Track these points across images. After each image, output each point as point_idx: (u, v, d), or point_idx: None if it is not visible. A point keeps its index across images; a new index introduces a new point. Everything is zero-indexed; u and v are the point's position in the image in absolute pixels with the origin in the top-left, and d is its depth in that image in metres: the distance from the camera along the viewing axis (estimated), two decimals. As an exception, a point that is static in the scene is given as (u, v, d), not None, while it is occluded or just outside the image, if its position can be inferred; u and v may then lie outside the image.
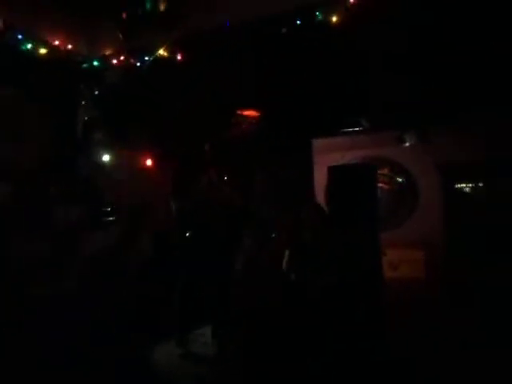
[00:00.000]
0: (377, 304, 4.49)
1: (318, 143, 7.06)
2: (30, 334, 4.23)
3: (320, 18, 3.52)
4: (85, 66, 3.87)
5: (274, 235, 4.69)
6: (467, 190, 6.84)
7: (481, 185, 6.73)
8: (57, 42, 3.69)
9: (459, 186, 6.81)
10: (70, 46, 3.74)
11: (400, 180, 7.05)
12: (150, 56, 3.81)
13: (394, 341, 4.33)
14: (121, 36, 3.86)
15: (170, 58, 3.87)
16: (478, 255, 6.03)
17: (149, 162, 5.39)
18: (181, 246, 4.56)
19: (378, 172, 6.64)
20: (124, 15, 3.86)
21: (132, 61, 3.87)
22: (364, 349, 4.07)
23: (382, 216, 6.31)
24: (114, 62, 3.89)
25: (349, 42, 4.07)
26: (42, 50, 3.58)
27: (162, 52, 3.84)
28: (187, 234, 4.55)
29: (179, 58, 3.90)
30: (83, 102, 4.17)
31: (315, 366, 3.89)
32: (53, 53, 3.62)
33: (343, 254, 4.60)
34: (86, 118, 4.30)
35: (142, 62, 3.86)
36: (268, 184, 6.02)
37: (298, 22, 3.52)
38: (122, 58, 3.88)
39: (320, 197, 6.25)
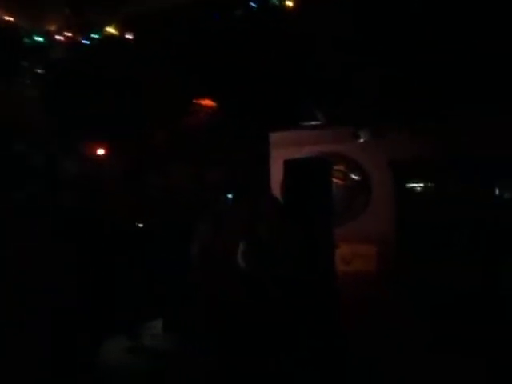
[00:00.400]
0: (330, 298, 4.51)
1: (274, 137, 7.06)
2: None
3: (275, 1, 3.44)
4: (26, 40, 3.62)
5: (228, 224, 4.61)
6: (418, 187, 7.01)
7: (431, 182, 6.92)
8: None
9: (411, 183, 6.98)
10: (9, 19, 3.48)
11: (354, 176, 7.15)
12: (97, 33, 3.62)
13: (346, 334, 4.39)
14: (68, 11, 3.64)
15: (121, 37, 3.70)
16: (425, 251, 6.20)
17: (98, 150, 5.19)
18: (134, 235, 4.42)
19: (334, 168, 6.70)
20: None
21: (79, 38, 3.66)
22: (320, 342, 4.08)
23: (337, 211, 6.38)
24: (59, 38, 3.66)
25: (306, 31, 4.04)
26: None
27: (111, 30, 3.66)
28: (141, 224, 4.42)
29: (130, 37, 3.73)
30: (24, 80, 3.91)
31: (271, 359, 3.87)
32: None
33: (298, 247, 4.59)
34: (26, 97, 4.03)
35: (90, 39, 3.66)
36: (223, 173, 5.92)
37: (253, 4, 3.41)
38: (68, 34, 3.66)
39: (276, 191, 6.23)
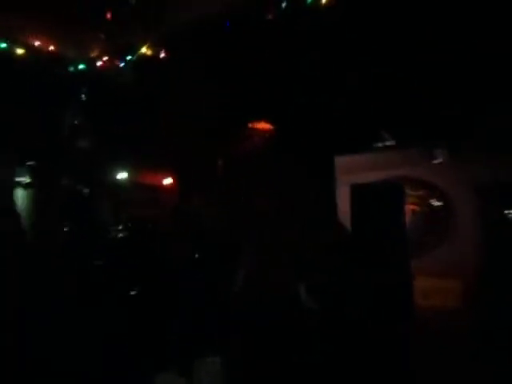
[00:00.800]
0: (403, 333, 4.12)
1: (340, 161, 6.60)
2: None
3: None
4: (71, 69, 3.65)
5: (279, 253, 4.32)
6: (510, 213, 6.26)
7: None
8: (38, 43, 3.48)
9: (501, 209, 6.23)
10: (52, 48, 3.53)
11: (434, 202, 6.54)
12: (133, 55, 3.55)
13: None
14: (103, 36, 3.63)
15: (163, 60, 3.61)
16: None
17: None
18: (185, 265, 4.28)
19: (410, 193, 6.24)
20: (107, 15, 3.64)
21: (117, 62, 3.62)
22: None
23: (414, 240, 5.89)
24: (100, 63, 3.64)
25: (373, 49, 3.72)
26: (21, 51, 3.38)
27: (148, 51, 3.59)
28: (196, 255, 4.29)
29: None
30: (70, 108, 3.95)
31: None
32: (35, 54, 3.42)
33: (369, 279, 4.26)
34: (72, 124, 4.09)
35: (127, 62, 3.59)
36: (284, 200, 5.57)
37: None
38: (106, 59, 3.63)
39: (343, 219, 5.80)
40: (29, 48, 3.31)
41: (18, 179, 5.26)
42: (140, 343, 4.31)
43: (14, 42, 3.30)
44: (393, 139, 5.81)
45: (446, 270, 6.00)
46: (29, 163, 4.87)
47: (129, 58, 3.55)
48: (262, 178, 5.31)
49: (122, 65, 3.61)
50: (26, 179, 5.27)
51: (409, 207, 6.31)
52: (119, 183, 5.18)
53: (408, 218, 6.17)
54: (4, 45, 3.32)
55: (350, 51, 4.06)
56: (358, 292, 4.14)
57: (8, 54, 3.31)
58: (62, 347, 4.11)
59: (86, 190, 4.97)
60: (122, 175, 5.20)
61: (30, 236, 4.74)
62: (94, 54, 3.64)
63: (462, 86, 4.51)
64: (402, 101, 4.94)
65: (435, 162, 5.94)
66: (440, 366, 4.42)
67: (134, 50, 3.52)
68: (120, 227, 4.90)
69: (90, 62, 3.62)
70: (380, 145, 5.92)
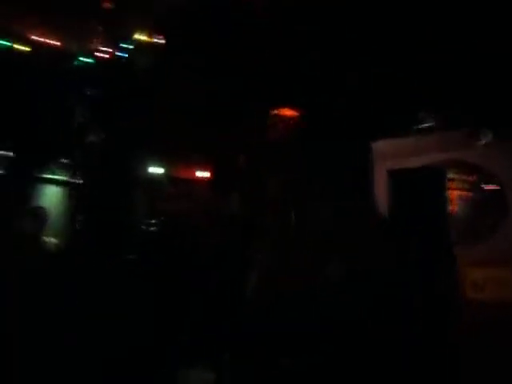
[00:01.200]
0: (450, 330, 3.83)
1: (378, 147, 6.20)
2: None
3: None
4: (76, 63, 3.62)
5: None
6: None
7: None
8: (37, 38, 3.46)
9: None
10: (53, 43, 3.50)
11: (485, 187, 6.07)
12: (131, 43, 3.47)
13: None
14: (100, 28, 3.58)
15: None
16: None
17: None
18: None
19: (457, 178, 5.85)
20: (105, 5, 3.57)
21: (116, 52, 3.55)
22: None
23: (465, 228, 5.54)
24: (101, 55, 3.58)
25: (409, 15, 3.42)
26: (21, 47, 3.38)
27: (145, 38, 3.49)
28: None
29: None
30: (76, 104, 3.94)
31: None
32: (39, 50, 3.41)
33: (409, 270, 4.04)
34: (78, 121, 4.08)
35: (126, 51, 3.52)
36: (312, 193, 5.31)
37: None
38: (106, 49, 3.56)
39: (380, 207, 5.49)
40: (32, 44, 3.32)
41: (51, 177, 5.48)
42: (166, 336, 4.28)
43: (16, 39, 3.31)
44: (433, 120, 5.40)
45: (501, 258, 5.57)
46: (63, 161, 5.01)
47: (127, 46, 3.48)
48: (290, 168, 5.08)
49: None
50: (60, 177, 5.48)
51: (456, 193, 5.92)
52: (153, 177, 5.19)
53: (456, 204, 5.82)
54: (5, 42, 3.33)
55: (387, 33, 3.77)
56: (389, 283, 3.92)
57: (12, 51, 3.33)
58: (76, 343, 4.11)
59: (120, 184, 5.01)
60: (156, 170, 5.21)
61: (63, 234, 4.83)
62: (94, 47, 3.59)
63: (500, 62, 4.11)
64: (441, 79, 4.57)
65: (481, 143, 5.48)
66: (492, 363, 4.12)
67: (132, 38, 3.45)
68: (153, 221, 4.92)
69: (94, 55, 3.57)
70: (420, 127, 5.51)
